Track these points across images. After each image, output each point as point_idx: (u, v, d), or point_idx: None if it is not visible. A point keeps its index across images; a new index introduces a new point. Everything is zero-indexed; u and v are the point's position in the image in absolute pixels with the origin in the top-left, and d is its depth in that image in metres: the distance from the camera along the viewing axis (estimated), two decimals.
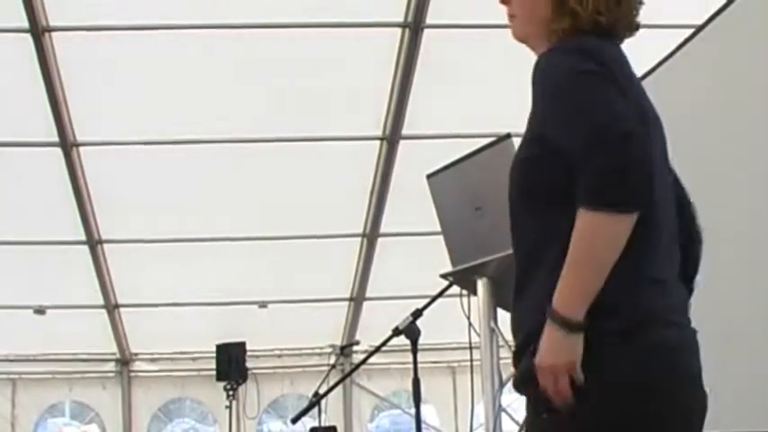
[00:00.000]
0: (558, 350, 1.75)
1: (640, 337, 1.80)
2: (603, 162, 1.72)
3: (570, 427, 1.79)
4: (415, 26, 6.96)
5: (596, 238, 1.74)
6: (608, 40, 2.03)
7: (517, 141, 3.15)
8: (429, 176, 3.44)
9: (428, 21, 6.93)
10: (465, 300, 3.44)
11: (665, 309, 1.87)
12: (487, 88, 7.47)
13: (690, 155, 5.32)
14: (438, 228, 3.45)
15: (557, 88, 1.91)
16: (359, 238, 9.01)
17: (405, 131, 7.86)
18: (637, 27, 2.16)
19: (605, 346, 1.78)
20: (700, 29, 4.95)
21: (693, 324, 2.04)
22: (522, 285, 1.93)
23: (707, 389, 2.02)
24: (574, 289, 1.75)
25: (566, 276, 1.76)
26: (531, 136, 2.04)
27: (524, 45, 2.30)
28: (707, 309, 5.05)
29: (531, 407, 1.90)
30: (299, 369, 9.98)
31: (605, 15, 2.02)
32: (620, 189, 1.72)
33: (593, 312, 1.76)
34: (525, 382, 1.85)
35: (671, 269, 1.95)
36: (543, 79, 1.98)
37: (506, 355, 3.28)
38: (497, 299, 3.30)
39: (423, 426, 4.57)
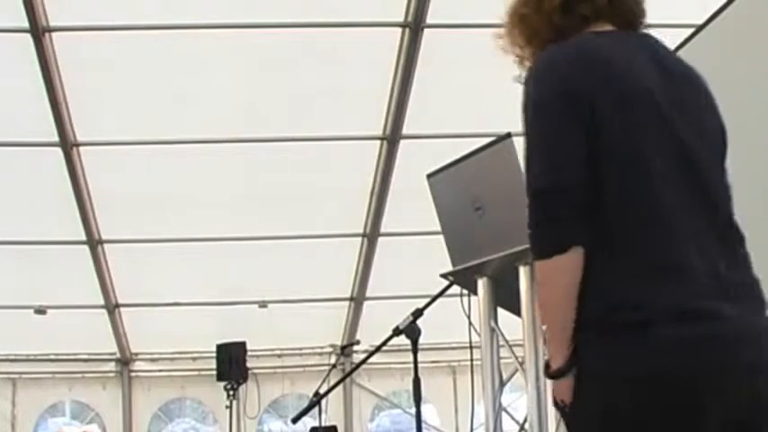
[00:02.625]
0: (554, 387, 2.02)
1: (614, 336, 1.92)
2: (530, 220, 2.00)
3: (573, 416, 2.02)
4: (415, 26, 6.96)
5: (540, 286, 2.00)
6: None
7: (517, 141, 3.16)
8: (429, 176, 3.43)
9: (428, 21, 6.93)
10: (465, 299, 3.43)
11: (670, 303, 1.91)
12: (487, 88, 7.47)
13: None
14: (438, 227, 3.45)
15: (524, 119, 2.14)
16: (359, 238, 9.01)
17: (405, 131, 7.86)
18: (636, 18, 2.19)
19: (586, 344, 1.95)
20: (700, 29, 4.95)
21: None
22: None
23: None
24: (549, 340, 2.00)
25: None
26: None
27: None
28: None
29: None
30: (300, 369, 9.98)
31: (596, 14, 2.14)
32: (539, 242, 1.98)
33: (599, 309, 1.93)
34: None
35: (693, 252, 1.96)
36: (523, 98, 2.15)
37: (506, 355, 3.29)
38: (498, 298, 3.30)
39: (423, 425, 4.57)
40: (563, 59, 2.04)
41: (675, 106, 2.03)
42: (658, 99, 2.02)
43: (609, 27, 2.14)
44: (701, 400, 1.86)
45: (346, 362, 9.51)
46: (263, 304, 9.43)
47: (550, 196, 1.94)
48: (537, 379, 3.07)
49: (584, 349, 1.94)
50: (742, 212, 4.65)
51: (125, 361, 9.96)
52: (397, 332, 4.33)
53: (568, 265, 1.93)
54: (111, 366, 9.97)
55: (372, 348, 5.04)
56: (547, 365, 2.00)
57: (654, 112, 2.01)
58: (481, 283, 3.29)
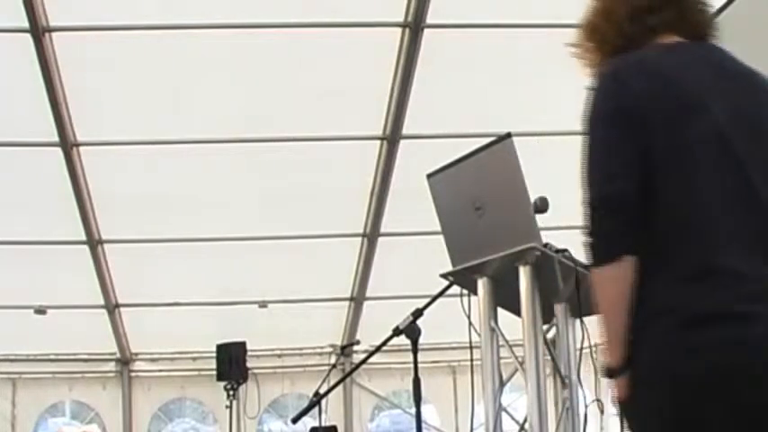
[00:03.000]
0: (613, 385, 2.11)
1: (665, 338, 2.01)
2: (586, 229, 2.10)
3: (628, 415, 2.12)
4: (415, 26, 6.95)
5: (597, 292, 2.10)
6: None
7: (517, 141, 3.16)
8: (429, 176, 3.43)
9: (428, 21, 6.92)
10: (465, 299, 3.43)
11: (718, 302, 1.99)
12: (487, 88, 7.47)
13: None
14: (438, 227, 3.44)
15: (584, 130, 2.18)
16: (359, 238, 9.01)
17: (405, 131, 7.86)
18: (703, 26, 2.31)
19: (637, 347, 2.05)
20: None
21: None
22: None
23: None
24: (605, 341, 2.09)
25: None
26: None
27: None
28: None
29: None
30: (300, 369, 9.98)
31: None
32: (593, 251, 2.08)
33: (647, 313, 2.04)
34: None
35: (738, 257, 2.03)
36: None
37: (506, 355, 3.29)
38: (497, 298, 3.30)
39: (423, 425, 4.58)
40: (621, 73, 2.13)
41: (734, 120, 2.10)
42: (715, 113, 2.09)
43: (676, 38, 2.23)
44: (746, 401, 1.92)
45: (346, 362, 9.51)
46: (263, 304, 9.43)
47: (604, 207, 2.06)
48: (537, 379, 3.07)
49: (635, 351, 2.04)
50: None
51: (125, 361, 9.96)
52: (397, 332, 4.34)
53: (619, 274, 2.04)
54: (111, 366, 9.97)
55: (372, 348, 5.04)
56: (606, 365, 2.10)
57: (708, 126, 2.08)
58: (481, 283, 3.29)
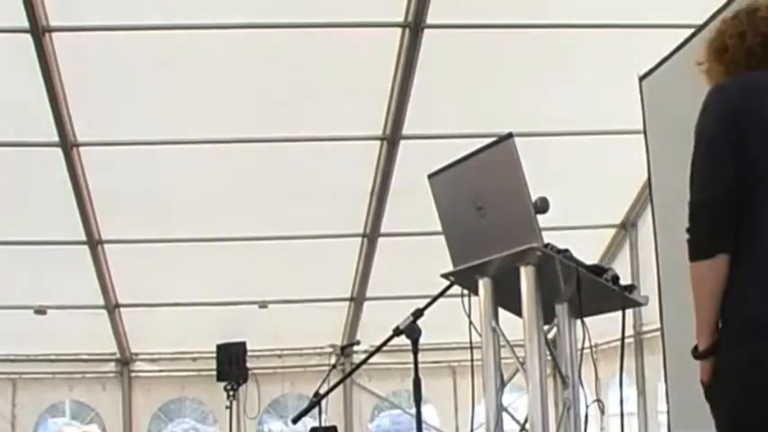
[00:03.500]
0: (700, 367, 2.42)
1: (744, 343, 2.29)
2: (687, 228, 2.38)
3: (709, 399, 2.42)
4: (415, 26, 6.95)
5: (692, 283, 2.38)
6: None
7: (518, 141, 3.16)
8: (430, 176, 3.43)
9: (428, 21, 6.93)
10: (466, 299, 3.43)
11: None
12: (487, 88, 7.47)
13: (690, 153, 5.32)
14: (439, 227, 3.44)
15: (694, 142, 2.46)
16: (359, 238, 9.01)
17: (405, 131, 7.86)
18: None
19: (722, 350, 2.33)
20: (700, 29, 4.95)
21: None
22: None
23: None
24: (696, 327, 2.38)
25: None
26: None
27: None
28: None
29: None
30: (300, 369, 9.98)
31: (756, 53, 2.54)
32: (691, 247, 2.36)
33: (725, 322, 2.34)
34: None
35: None
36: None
37: (507, 355, 3.29)
38: (498, 298, 3.30)
39: (423, 426, 4.57)
40: (730, 90, 2.43)
41: None
42: None
43: None
44: None
45: (346, 362, 9.51)
46: (263, 304, 9.43)
47: (703, 209, 2.34)
48: (538, 379, 3.07)
49: (720, 346, 2.33)
50: None
51: (125, 361, 9.96)
52: (397, 332, 4.33)
53: (713, 270, 2.32)
54: (111, 366, 9.97)
55: (372, 349, 5.04)
56: (695, 348, 2.38)
57: None
58: (482, 284, 3.28)
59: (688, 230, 2.37)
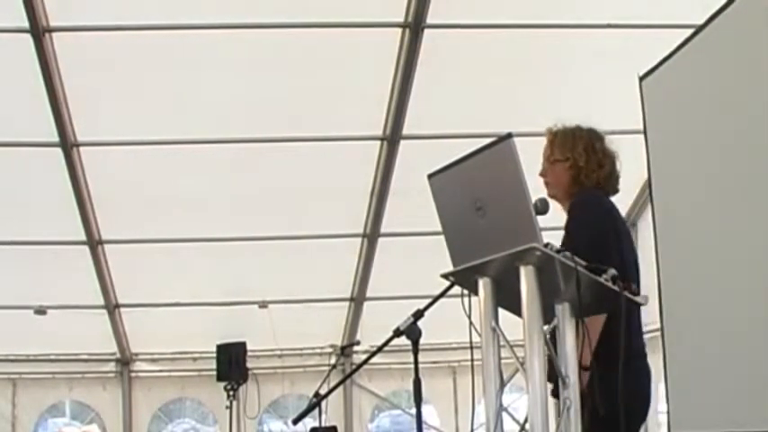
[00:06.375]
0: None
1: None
2: None
3: None
4: (415, 26, 6.96)
5: None
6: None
7: (518, 141, 3.16)
8: (430, 176, 3.42)
9: (428, 21, 6.93)
10: (466, 299, 3.43)
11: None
12: (487, 88, 7.47)
13: (690, 153, 5.32)
14: (438, 228, 3.44)
15: (596, 228, 3.45)
16: (359, 238, 9.01)
17: (405, 131, 7.86)
18: (617, 191, 3.67)
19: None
20: (700, 29, 4.95)
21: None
22: None
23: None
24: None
25: None
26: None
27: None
28: (709, 309, 5.04)
29: None
30: (300, 369, 9.98)
31: (602, 184, 3.63)
32: None
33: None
34: None
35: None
36: (582, 214, 3.51)
37: (507, 355, 3.28)
38: (498, 299, 3.29)
39: (423, 426, 4.57)
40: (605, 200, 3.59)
41: None
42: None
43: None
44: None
45: (346, 362, 9.51)
46: (263, 304, 9.43)
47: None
48: (538, 379, 3.06)
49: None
50: (741, 210, 4.66)
51: (125, 361, 9.96)
52: (398, 333, 4.33)
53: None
54: (111, 366, 9.97)
55: (373, 349, 5.04)
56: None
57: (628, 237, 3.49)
58: (482, 284, 3.28)
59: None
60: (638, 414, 3.36)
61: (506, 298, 3.23)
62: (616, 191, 3.66)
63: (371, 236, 8.92)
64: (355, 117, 7.81)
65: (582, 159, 3.62)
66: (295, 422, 5.51)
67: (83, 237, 8.55)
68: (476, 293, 3.37)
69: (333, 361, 8.92)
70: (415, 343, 4.33)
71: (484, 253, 3.17)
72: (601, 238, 3.35)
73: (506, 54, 7.27)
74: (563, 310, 3.15)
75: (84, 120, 7.54)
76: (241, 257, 8.96)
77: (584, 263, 2.99)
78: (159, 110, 7.56)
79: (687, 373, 5.17)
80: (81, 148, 7.79)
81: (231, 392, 8.97)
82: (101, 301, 9.28)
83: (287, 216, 8.53)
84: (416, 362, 4.37)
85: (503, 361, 3.28)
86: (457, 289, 3.50)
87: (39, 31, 6.67)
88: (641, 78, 5.65)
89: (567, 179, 3.61)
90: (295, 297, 9.35)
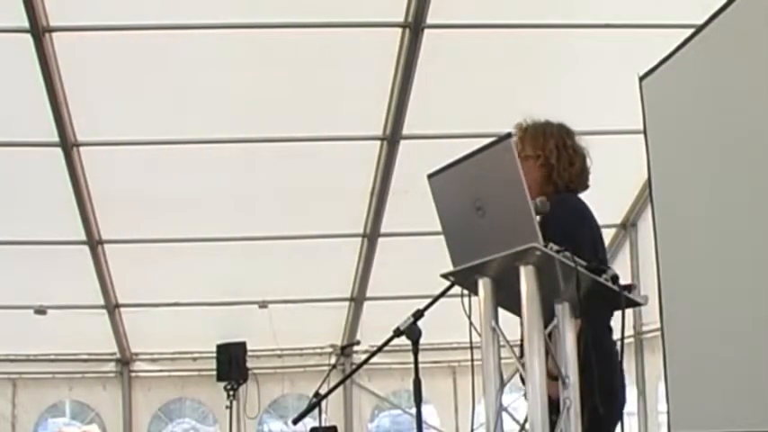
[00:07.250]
0: None
1: None
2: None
3: None
4: (415, 26, 6.96)
5: None
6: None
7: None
8: (430, 176, 3.42)
9: (428, 21, 6.93)
10: (466, 299, 3.43)
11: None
12: (488, 88, 7.48)
13: (690, 153, 5.32)
14: (438, 227, 3.44)
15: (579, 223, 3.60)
16: (359, 238, 9.01)
17: (405, 131, 7.86)
18: (587, 187, 3.81)
19: None
20: (700, 29, 4.95)
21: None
22: None
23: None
24: None
25: None
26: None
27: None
28: (709, 309, 5.03)
29: None
30: (300, 369, 9.98)
31: (574, 181, 3.73)
32: None
33: None
34: None
35: None
36: (565, 213, 3.50)
37: (507, 355, 3.28)
38: (498, 299, 3.30)
39: (423, 426, 4.57)
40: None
41: None
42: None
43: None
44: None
45: (346, 362, 9.51)
46: (263, 304, 9.43)
47: None
48: (538, 379, 3.06)
49: None
50: (741, 210, 4.65)
51: (125, 361, 9.96)
52: (398, 333, 4.33)
53: None
54: (111, 366, 9.97)
55: (373, 349, 5.04)
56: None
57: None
58: (482, 284, 3.28)
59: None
60: (620, 413, 3.44)
61: (506, 298, 3.23)
62: (586, 187, 3.76)
63: (371, 236, 8.92)
64: (355, 117, 7.81)
65: (553, 156, 3.64)
66: (295, 422, 5.51)
67: (83, 237, 8.55)
68: (476, 293, 3.37)
69: (333, 361, 8.93)
70: (415, 343, 4.33)
71: (484, 253, 3.17)
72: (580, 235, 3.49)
73: (506, 54, 7.28)
74: (563, 310, 3.15)
75: (84, 120, 7.54)
76: (241, 257, 8.96)
77: (584, 263, 2.99)
78: (159, 110, 7.56)
79: (687, 373, 5.17)
80: (81, 148, 7.79)
81: (231, 392, 8.97)
82: (101, 301, 9.28)
83: (287, 216, 8.53)
84: (416, 362, 4.36)
85: (503, 361, 3.28)
86: (457, 289, 3.50)
87: (39, 31, 6.67)
88: (641, 78, 5.65)
89: (540, 177, 3.62)
90: (295, 297, 9.35)
